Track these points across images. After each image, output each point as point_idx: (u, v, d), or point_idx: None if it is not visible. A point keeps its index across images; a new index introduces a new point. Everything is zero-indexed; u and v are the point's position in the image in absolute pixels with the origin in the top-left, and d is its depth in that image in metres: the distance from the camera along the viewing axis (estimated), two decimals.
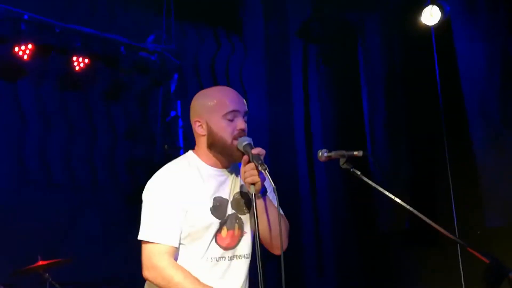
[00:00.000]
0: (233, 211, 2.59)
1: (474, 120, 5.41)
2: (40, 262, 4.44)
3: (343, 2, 6.53)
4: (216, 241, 2.54)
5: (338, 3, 6.57)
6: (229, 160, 2.58)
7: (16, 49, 5.19)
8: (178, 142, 6.19)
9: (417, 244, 5.93)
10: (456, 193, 5.65)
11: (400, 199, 2.50)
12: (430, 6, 5.71)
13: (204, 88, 2.74)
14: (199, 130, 2.58)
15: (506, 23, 5.26)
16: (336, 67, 7.05)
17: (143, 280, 2.56)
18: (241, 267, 2.61)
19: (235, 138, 2.51)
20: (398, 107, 6.23)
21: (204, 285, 2.44)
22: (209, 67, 6.76)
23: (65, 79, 5.67)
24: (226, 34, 6.99)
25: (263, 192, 2.51)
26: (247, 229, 2.62)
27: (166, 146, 6.04)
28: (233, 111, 2.53)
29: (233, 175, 2.62)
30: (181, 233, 2.50)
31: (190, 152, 2.66)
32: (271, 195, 2.59)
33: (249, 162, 2.44)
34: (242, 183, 2.52)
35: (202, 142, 2.60)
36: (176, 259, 2.50)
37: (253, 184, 2.42)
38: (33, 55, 5.27)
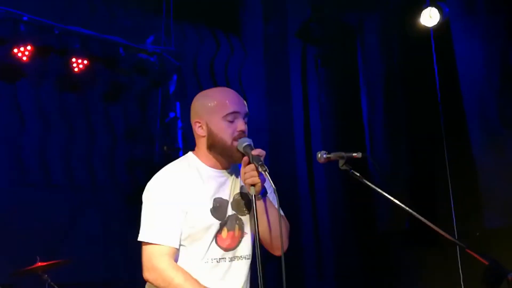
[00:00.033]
0: (233, 212, 2.59)
1: (473, 121, 5.42)
2: (39, 263, 4.42)
3: (342, 3, 6.54)
4: (216, 242, 2.54)
5: (337, 4, 6.58)
6: (229, 161, 2.58)
7: (15, 50, 5.19)
8: (177, 143, 6.18)
9: (417, 245, 5.93)
10: (455, 194, 5.65)
11: (399, 199, 2.50)
12: (429, 7, 5.71)
13: (204, 89, 2.74)
14: (199, 131, 2.58)
15: (505, 25, 5.27)
16: (335, 68, 7.06)
17: (142, 281, 2.56)
18: (242, 268, 2.60)
19: (235, 139, 2.51)
20: (397, 108, 6.24)
21: (204, 287, 2.44)
22: (208, 68, 6.77)
23: (64, 80, 5.67)
24: (226, 35, 7.00)
25: (263, 193, 2.51)
26: (248, 230, 2.62)
27: (165, 147, 6.05)
28: (233, 112, 2.52)
29: (233, 176, 2.62)
30: (181, 234, 2.50)
31: (190, 153, 2.66)
32: (271, 196, 2.59)
33: (249, 163, 2.43)
34: (242, 184, 2.51)
35: (202, 143, 2.59)
36: (176, 260, 2.50)
37: (253, 185, 2.42)
38: (32, 56, 5.27)
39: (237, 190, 2.62)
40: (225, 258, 2.56)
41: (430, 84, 5.86)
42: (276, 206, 2.50)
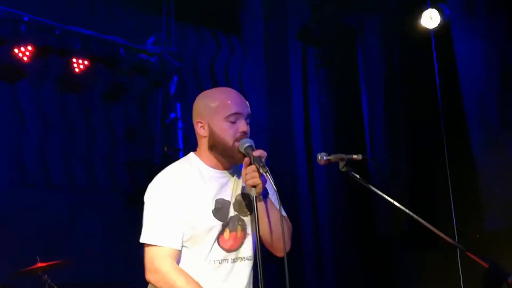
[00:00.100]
0: (236, 213, 2.58)
1: (473, 122, 5.43)
2: (39, 264, 4.42)
3: (342, 4, 6.53)
4: (218, 244, 2.54)
5: (337, 5, 6.58)
6: (230, 162, 2.58)
7: (16, 50, 5.19)
8: (177, 144, 6.18)
9: (417, 247, 5.93)
10: (455, 194, 5.66)
11: (399, 201, 2.50)
12: (430, 9, 5.72)
13: (204, 89, 2.73)
14: (201, 131, 2.58)
15: (505, 26, 5.28)
16: (335, 69, 7.06)
17: (142, 282, 2.55)
18: (245, 269, 2.60)
19: (237, 140, 2.50)
20: (397, 109, 6.24)
21: None
22: (208, 69, 6.77)
23: (64, 81, 5.67)
24: (226, 35, 7.00)
25: (264, 194, 2.50)
26: (250, 231, 2.61)
27: (165, 148, 6.04)
28: (235, 113, 2.52)
29: (235, 176, 2.62)
30: (183, 236, 2.49)
31: (191, 153, 2.65)
32: (273, 197, 2.58)
33: (250, 164, 2.43)
34: (244, 184, 2.51)
35: (203, 143, 2.59)
36: (178, 262, 2.50)
37: (254, 186, 2.42)
38: (32, 56, 5.27)
39: (239, 191, 2.61)
40: (228, 259, 2.55)
41: (430, 85, 5.87)
42: (278, 207, 2.50)
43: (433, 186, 6.04)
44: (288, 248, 2.53)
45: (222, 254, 2.55)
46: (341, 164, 2.52)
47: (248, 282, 2.62)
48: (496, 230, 5.20)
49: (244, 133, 2.52)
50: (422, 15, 5.76)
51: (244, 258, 2.60)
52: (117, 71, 5.85)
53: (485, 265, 2.32)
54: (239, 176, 2.60)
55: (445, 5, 5.73)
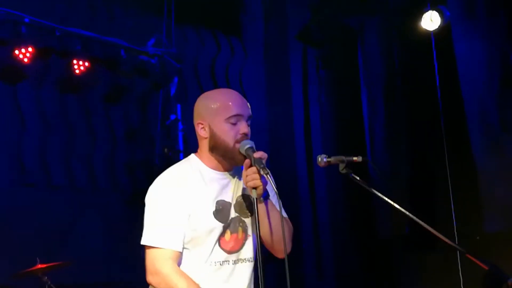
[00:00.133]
0: (237, 214, 2.58)
1: (473, 123, 5.43)
2: (39, 265, 4.41)
3: (343, 5, 6.54)
4: (219, 245, 2.54)
5: (338, 6, 6.58)
6: (231, 164, 2.58)
7: (17, 52, 5.19)
8: (177, 145, 6.18)
9: (417, 249, 5.93)
10: (456, 195, 5.66)
11: (399, 202, 2.50)
12: (430, 11, 5.71)
13: (204, 91, 2.73)
14: (202, 132, 2.58)
15: (505, 27, 5.28)
16: (335, 70, 7.07)
17: (142, 283, 2.55)
18: (246, 270, 2.60)
19: (238, 141, 2.50)
20: (397, 110, 6.24)
21: None
22: (209, 70, 6.77)
23: (65, 82, 5.67)
24: (226, 37, 7.00)
25: (265, 196, 2.50)
26: (251, 232, 2.61)
27: (165, 149, 6.04)
28: (236, 115, 2.52)
29: (236, 178, 2.62)
30: (184, 238, 2.49)
31: (192, 155, 2.65)
32: (274, 199, 2.58)
33: (251, 166, 2.43)
34: (245, 186, 2.51)
35: (204, 144, 2.59)
36: (180, 263, 2.50)
37: (255, 188, 2.42)
38: (33, 58, 5.27)
39: (240, 192, 2.61)
40: (229, 261, 2.55)
41: (430, 85, 5.87)
42: (278, 209, 2.50)
43: (433, 186, 6.04)
44: (289, 249, 2.52)
45: (223, 255, 2.54)
46: (341, 166, 2.52)
47: (249, 283, 2.62)
48: (496, 232, 5.20)
49: (245, 134, 2.52)
50: (423, 17, 5.76)
51: (245, 259, 2.60)
52: (118, 72, 5.85)
53: (485, 267, 2.32)
54: (239, 177, 2.59)
55: (445, 7, 5.73)
